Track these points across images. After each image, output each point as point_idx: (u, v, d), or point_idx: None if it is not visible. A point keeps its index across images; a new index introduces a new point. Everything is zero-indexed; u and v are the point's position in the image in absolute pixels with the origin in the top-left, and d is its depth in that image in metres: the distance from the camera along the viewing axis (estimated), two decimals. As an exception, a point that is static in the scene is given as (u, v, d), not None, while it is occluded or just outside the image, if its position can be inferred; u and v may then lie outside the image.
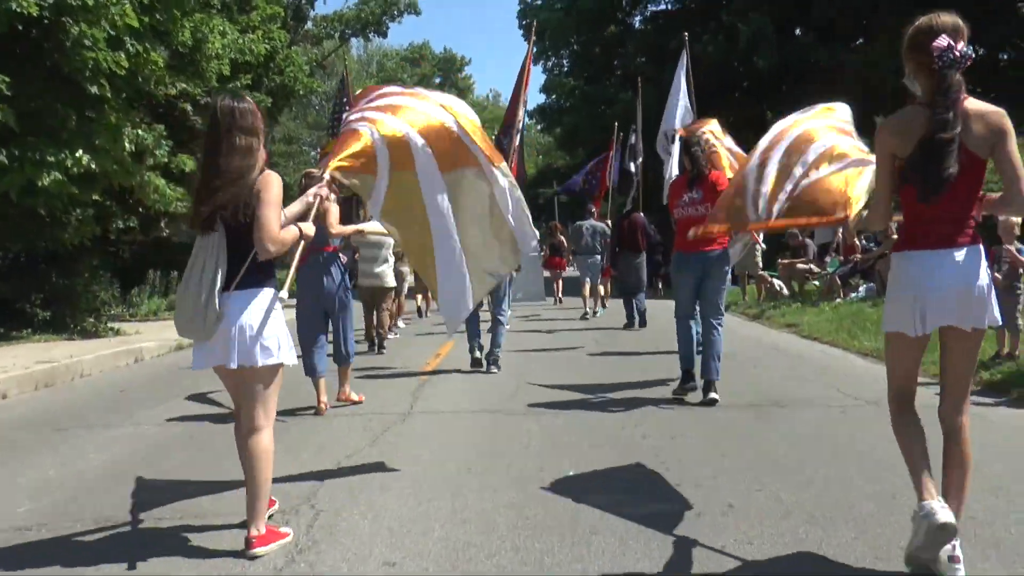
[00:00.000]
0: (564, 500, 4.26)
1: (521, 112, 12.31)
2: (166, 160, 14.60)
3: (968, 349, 3.32)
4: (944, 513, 3.00)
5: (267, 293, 3.77)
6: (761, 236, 8.63)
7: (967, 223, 3.22)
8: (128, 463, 5.41)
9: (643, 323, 13.19)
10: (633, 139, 16.67)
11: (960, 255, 3.19)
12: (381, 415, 6.70)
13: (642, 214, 14.06)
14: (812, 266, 15.21)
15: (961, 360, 3.33)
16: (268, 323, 3.71)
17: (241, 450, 3.86)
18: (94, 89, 11.30)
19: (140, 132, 13.52)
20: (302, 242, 4.04)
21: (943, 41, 3.12)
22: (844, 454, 5.03)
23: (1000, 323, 3.44)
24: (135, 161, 14.20)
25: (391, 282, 11.23)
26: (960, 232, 3.21)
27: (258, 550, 3.63)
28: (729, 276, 6.35)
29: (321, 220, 6.01)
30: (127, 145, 13.13)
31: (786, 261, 15.48)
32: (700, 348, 7.06)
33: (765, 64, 23.75)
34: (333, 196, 5.37)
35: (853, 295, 13.43)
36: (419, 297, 17.22)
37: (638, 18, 31.76)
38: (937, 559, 3.06)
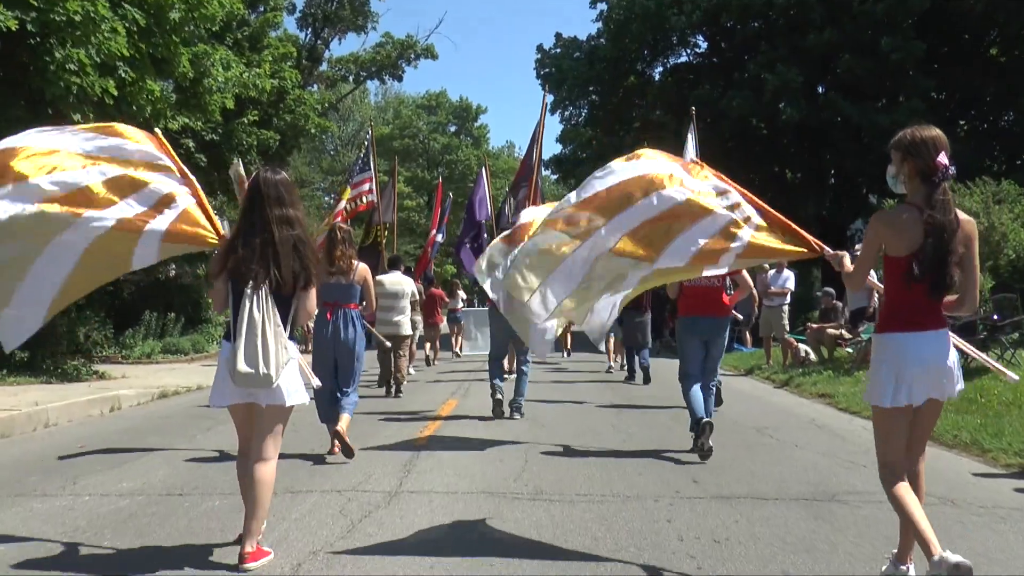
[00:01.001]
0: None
1: (536, 170, 13.74)
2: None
3: (937, 413, 3.92)
4: (955, 555, 3.39)
5: (292, 346, 4.29)
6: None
7: (939, 311, 3.80)
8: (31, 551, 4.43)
9: (647, 379, 13.49)
10: None
11: (937, 337, 3.77)
12: (364, 492, 5.70)
13: None
14: (844, 331, 14.19)
15: (931, 422, 3.93)
16: (292, 369, 4.24)
17: (245, 477, 4.27)
18: (78, 117, 10.47)
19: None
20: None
21: (945, 159, 3.66)
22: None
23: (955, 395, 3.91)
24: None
25: (408, 330, 12.05)
26: (938, 318, 3.79)
27: (250, 564, 4.08)
28: (750, 338, 6.38)
29: (345, 274, 7.12)
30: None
31: (816, 325, 14.45)
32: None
33: (792, 114, 22.82)
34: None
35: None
36: (427, 346, 18.06)
37: (659, 69, 31.11)
38: None
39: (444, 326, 20.11)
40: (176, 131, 16.74)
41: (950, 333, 3.83)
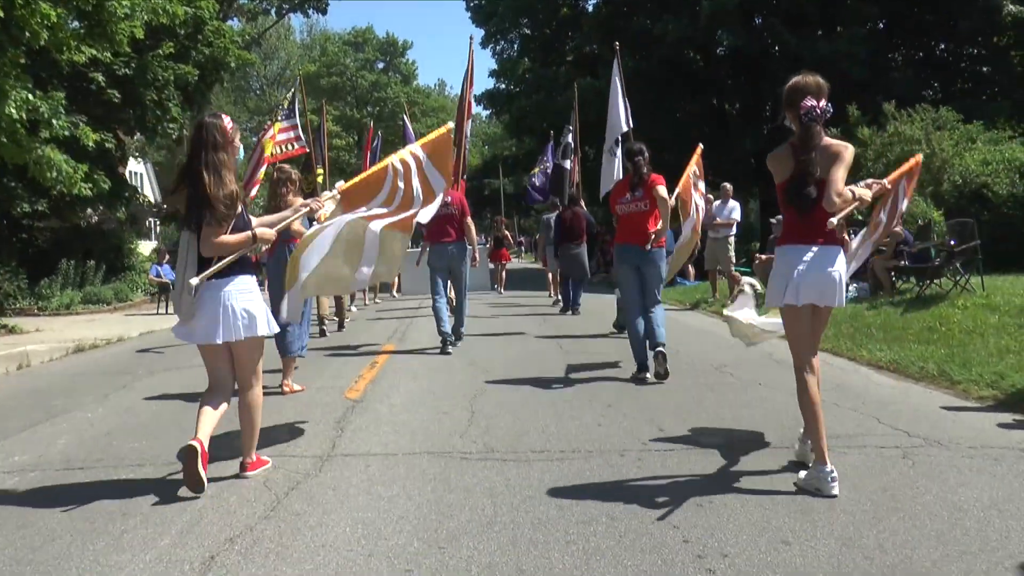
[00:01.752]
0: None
1: (468, 122, 14.07)
2: (66, 133, 12.57)
3: (823, 319, 4.52)
4: (835, 486, 4.05)
5: (245, 279, 4.49)
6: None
7: (823, 228, 4.23)
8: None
9: (575, 311, 14.14)
10: (568, 137, 17.90)
11: (819, 250, 4.30)
12: (292, 458, 5.03)
13: (583, 207, 15.09)
14: (792, 262, 13.86)
15: (819, 327, 4.54)
16: (250, 303, 4.45)
17: (205, 409, 4.47)
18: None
19: (31, 97, 11.53)
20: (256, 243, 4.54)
21: (809, 102, 4.23)
22: (947, 526, 3.54)
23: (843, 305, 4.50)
24: (29, 134, 12.24)
25: None
26: (818, 234, 4.28)
27: (251, 472, 4.62)
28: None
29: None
30: (14, 112, 11.19)
31: (764, 256, 14.02)
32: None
33: (730, 43, 21.99)
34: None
35: (843, 295, 12.05)
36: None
37: (592, 1, 30.13)
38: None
39: None
40: (83, 64, 15.48)
41: (842, 253, 4.38)
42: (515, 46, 30.90)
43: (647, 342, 7.55)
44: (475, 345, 10.30)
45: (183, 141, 28.77)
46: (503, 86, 31.47)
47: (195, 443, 4.22)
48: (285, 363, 7.39)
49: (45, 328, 14.34)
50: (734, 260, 14.98)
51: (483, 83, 34.41)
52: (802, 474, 4.26)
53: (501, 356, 9.35)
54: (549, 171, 19.05)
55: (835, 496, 3.99)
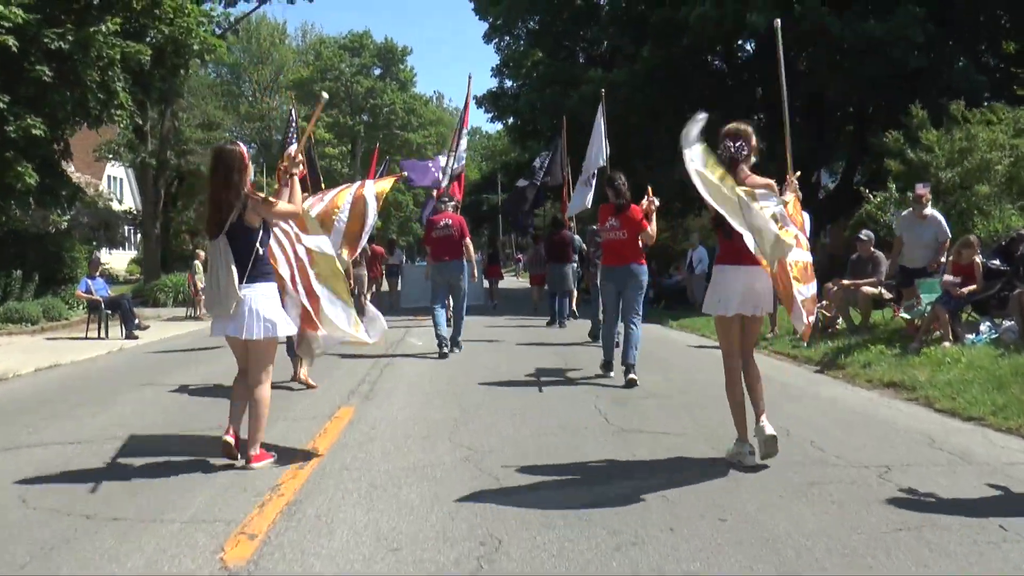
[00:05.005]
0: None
1: (463, 142, 16.13)
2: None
3: (755, 325, 5.35)
4: (768, 427, 5.02)
5: (269, 286, 5.20)
6: None
7: (746, 252, 4.83)
8: None
9: (562, 324, 15.34)
10: (542, 161, 17.95)
11: (748, 269, 5.03)
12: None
13: (569, 230, 16.30)
14: (883, 291, 10.75)
15: (753, 331, 5.36)
16: (272, 308, 5.15)
17: (239, 396, 5.25)
18: None
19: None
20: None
21: (727, 142, 5.12)
22: None
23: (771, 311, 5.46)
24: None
25: None
26: (746, 257, 4.90)
27: (256, 464, 5.05)
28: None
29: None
30: None
31: (846, 282, 10.92)
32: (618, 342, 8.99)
33: (761, 21, 18.18)
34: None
35: (973, 337, 8.92)
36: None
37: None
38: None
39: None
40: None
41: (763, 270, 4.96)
42: (521, 41, 27.89)
43: (616, 350, 8.83)
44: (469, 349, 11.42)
45: (147, 134, 25.94)
46: (509, 83, 28.50)
47: (229, 438, 5.14)
48: (303, 361, 8.02)
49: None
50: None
51: (485, 84, 31.53)
52: (731, 446, 5.20)
53: (492, 360, 10.49)
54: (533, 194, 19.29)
55: (752, 466, 4.94)
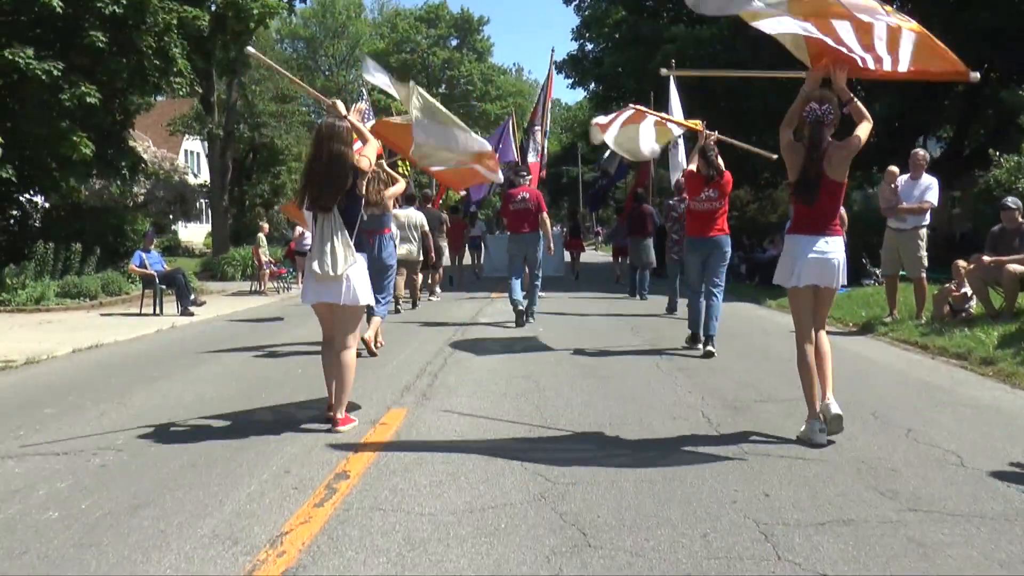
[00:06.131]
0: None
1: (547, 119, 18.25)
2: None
3: (827, 299, 5.16)
4: (834, 405, 4.87)
5: (360, 257, 5.46)
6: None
7: (832, 221, 5.01)
8: None
9: (643, 296, 15.51)
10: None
11: (824, 240, 4.98)
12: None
13: (649, 204, 16.95)
14: (1031, 266, 9.07)
15: (825, 305, 5.17)
16: (361, 278, 5.42)
17: (328, 361, 5.52)
18: None
19: None
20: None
21: (811, 105, 4.94)
22: None
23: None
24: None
25: (418, 256, 13.44)
26: (825, 226, 4.98)
27: (342, 428, 5.27)
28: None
29: (379, 206, 8.47)
30: None
31: (987, 258, 9.27)
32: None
33: None
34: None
35: None
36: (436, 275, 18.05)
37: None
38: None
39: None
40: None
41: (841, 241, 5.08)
42: (602, 0, 26.19)
43: (703, 324, 8.62)
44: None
45: (214, 105, 25.17)
46: (590, 46, 26.84)
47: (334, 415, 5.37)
48: (373, 323, 8.46)
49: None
50: (926, 263, 10.27)
51: (565, 47, 30.20)
52: (803, 428, 4.94)
53: (575, 339, 9.81)
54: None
55: (824, 445, 4.71)
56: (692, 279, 9.02)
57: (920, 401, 6.17)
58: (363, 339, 8.00)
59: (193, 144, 46.87)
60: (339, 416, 5.29)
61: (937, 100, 21.27)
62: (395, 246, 9.01)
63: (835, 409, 4.81)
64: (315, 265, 5.20)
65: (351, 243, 5.31)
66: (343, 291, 5.27)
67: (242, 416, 5.84)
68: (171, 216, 37.15)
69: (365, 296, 5.40)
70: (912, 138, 23.33)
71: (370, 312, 8.34)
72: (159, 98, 45.45)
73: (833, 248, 4.96)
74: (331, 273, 5.19)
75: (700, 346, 8.63)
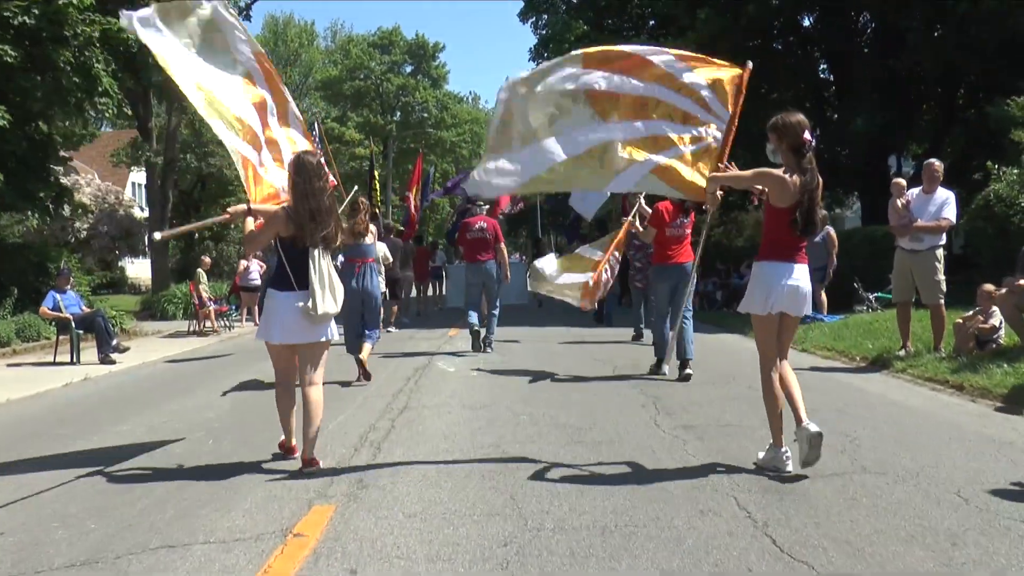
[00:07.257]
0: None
1: None
2: None
3: (793, 326, 5.19)
4: (812, 425, 4.65)
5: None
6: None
7: (802, 248, 5.06)
8: None
9: (609, 322, 15.61)
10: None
11: (797, 266, 4.99)
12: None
13: None
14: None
15: (790, 331, 5.17)
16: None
17: (283, 401, 5.36)
18: None
19: None
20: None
21: (808, 135, 4.88)
22: None
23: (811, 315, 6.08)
24: None
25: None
26: (800, 253, 5.03)
27: (312, 468, 5.04)
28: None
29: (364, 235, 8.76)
30: None
31: (1021, 283, 8.08)
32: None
33: None
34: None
35: None
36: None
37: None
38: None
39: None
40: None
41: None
42: (561, 13, 25.02)
43: (679, 349, 8.35)
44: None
45: (151, 131, 23.59)
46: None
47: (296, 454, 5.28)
48: (366, 348, 8.95)
49: None
50: (944, 288, 9.09)
51: (523, 69, 29.15)
52: (761, 455, 4.97)
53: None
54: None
55: (790, 472, 4.71)
56: (661, 306, 9.04)
57: (1000, 468, 4.89)
58: (359, 360, 8.80)
59: (140, 176, 44.96)
60: (307, 456, 5.09)
61: (914, 118, 20.52)
62: (381, 275, 9.40)
63: (814, 428, 4.64)
64: (316, 304, 5.03)
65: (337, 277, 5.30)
66: (328, 329, 5.25)
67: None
68: (116, 252, 35.31)
69: (333, 328, 5.34)
70: (883, 157, 22.49)
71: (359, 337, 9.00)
72: (106, 128, 43.79)
73: (803, 276, 5.01)
74: (331, 312, 5.12)
75: (666, 370, 8.74)
